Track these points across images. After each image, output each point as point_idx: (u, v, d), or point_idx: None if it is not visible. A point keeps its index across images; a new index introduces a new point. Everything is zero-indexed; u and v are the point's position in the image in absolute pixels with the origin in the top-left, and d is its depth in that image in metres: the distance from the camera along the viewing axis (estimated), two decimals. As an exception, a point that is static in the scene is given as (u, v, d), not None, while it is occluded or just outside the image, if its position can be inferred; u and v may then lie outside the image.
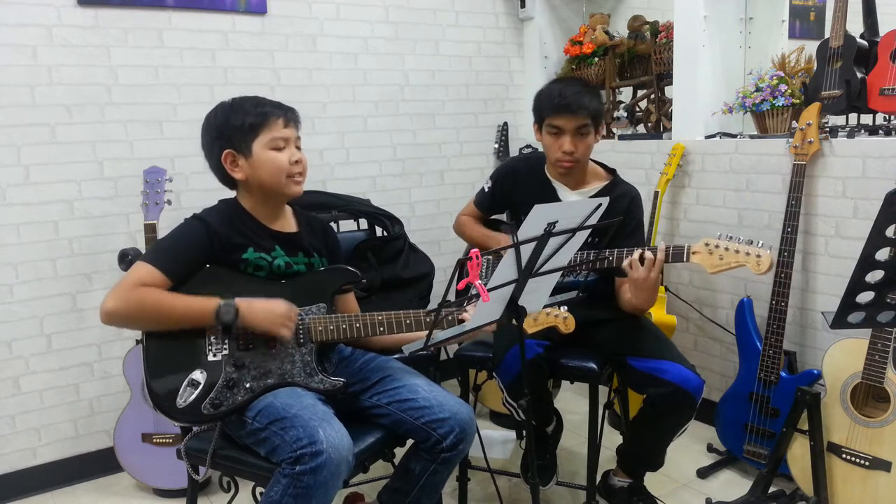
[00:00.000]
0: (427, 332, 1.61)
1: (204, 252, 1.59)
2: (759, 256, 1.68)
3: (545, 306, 1.58)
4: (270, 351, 1.59)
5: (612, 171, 2.09)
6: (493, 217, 2.28)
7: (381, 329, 1.63)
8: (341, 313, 1.76)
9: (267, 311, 1.55)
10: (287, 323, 1.57)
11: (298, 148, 1.67)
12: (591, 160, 2.05)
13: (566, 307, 1.69)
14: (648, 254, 1.77)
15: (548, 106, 1.92)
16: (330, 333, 1.62)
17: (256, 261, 1.63)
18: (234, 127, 1.61)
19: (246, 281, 1.61)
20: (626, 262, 1.80)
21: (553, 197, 2.04)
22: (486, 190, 2.19)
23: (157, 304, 1.50)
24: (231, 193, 1.73)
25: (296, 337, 1.61)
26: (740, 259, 1.71)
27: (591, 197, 2.01)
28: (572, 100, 1.88)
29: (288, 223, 1.74)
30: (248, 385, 1.56)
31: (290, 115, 1.65)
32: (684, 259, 1.78)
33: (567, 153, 1.93)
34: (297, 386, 1.60)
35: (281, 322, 1.56)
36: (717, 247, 1.74)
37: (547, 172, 2.07)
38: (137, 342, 2.39)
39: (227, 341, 1.57)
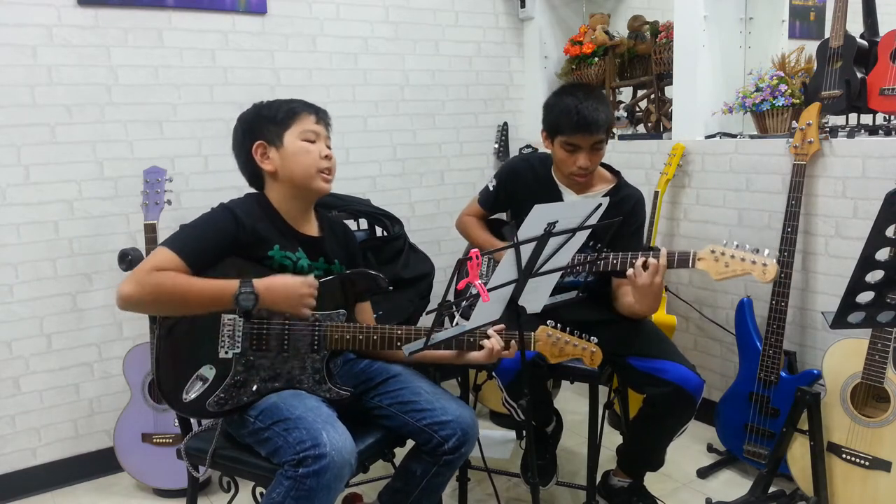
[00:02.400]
0: (427, 332, 1.62)
1: (229, 242, 1.56)
2: (764, 265, 1.68)
3: (545, 307, 1.57)
4: (282, 354, 1.59)
5: (616, 174, 2.09)
6: (494, 217, 2.28)
7: (398, 344, 1.62)
8: (357, 319, 1.76)
9: (285, 292, 1.52)
10: (306, 302, 1.54)
11: (328, 147, 1.69)
12: None
13: (595, 339, 1.68)
14: (652, 260, 1.76)
15: (566, 125, 1.89)
16: (346, 343, 1.62)
17: (282, 259, 1.62)
18: (266, 118, 1.64)
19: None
20: (630, 272, 1.79)
21: (558, 200, 2.03)
22: (491, 189, 2.18)
23: (173, 287, 1.47)
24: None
25: (310, 343, 1.60)
26: (746, 267, 1.71)
27: None
28: (591, 118, 1.86)
29: (312, 226, 1.73)
30: (255, 387, 1.56)
31: (321, 114, 1.69)
32: (689, 265, 1.77)
33: (583, 168, 1.93)
34: (303, 391, 1.59)
35: (300, 302, 1.53)
36: (722, 254, 1.73)
37: (553, 175, 2.07)
38: (140, 342, 2.40)
39: (241, 340, 1.56)
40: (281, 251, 1.62)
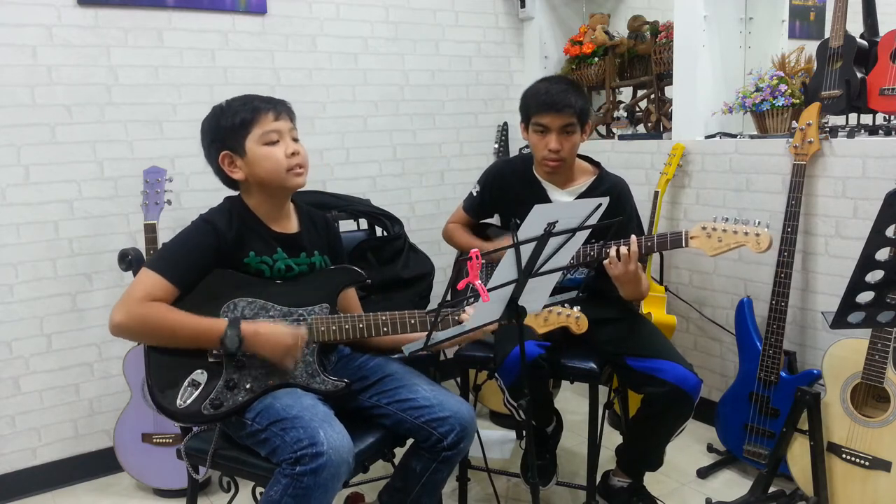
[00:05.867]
0: (427, 332, 1.62)
1: (212, 255, 1.58)
2: (758, 235, 1.69)
3: (545, 306, 1.57)
4: None
5: (597, 165, 2.09)
6: (483, 221, 2.28)
7: (385, 329, 1.63)
8: (344, 312, 1.76)
9: (272, 341, 1.54)
10: (291, 353, 1.56)
11: (295, 140, 1.65)
12: (578, 155, 2.06)
13: (578, 307, 1.68)
14: (623, 248, 1.78)
15: (533, 104, 1.94)
16: (333, 334, 1.62)
17: (258, 265, 1.63)
18: (226, 128, 1.61)
19: (252, 282, 1.61)
20: (606, 262, 1.80)
21: (543, 197, 2.04)
22: (475, 194, 2.19)
23: (162, 321, 1.49)
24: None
25: None
26: (739, 239, 1.71)
27: (580, 195, 2.03)
28: (558, 98, 1.89)
29: (290, 223, 1.73)
30: (248, 386, 1.56)
31: (280, 108, 1.63)
32: (683, 244, 1.78)
33: (553, 151, 1.93)
34: (297, 387, 1.59)
35: (283, 354, 1.55)
36: (714, 230, 1.74)
37: (535, 172, 2.08)
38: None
39: None
40: (257, 257, 1.63)
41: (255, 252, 1.63)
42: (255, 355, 1.56)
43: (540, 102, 1.91)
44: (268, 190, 1.65)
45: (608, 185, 2.02)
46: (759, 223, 1.70)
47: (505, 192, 2.11)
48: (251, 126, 1.60)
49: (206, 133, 1.66)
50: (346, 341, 1.72)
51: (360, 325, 1.63)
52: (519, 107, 2.03)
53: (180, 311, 1.52)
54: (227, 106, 1.63)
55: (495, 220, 2.30)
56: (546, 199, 2.03)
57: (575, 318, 1.67)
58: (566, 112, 1.90)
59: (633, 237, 1.79)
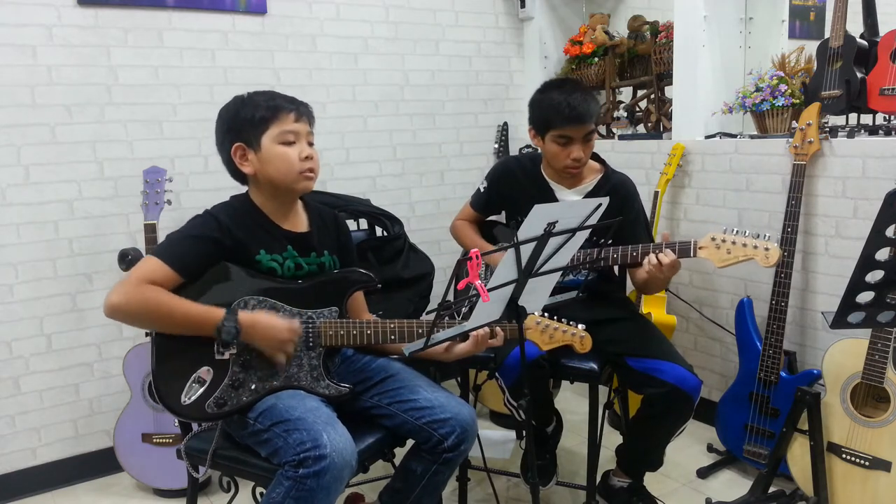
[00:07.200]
0: (420, 325, 1.62)
1: (216, 248, 1.57)
2: (766, 249, 1.69)
3: (545, 307, 1.57)
4: None
5: (602, 162, 2.10)
6: (490, 219, 2.28)
7: (393, 337, 1.62)
8: (351, 314, 1.75)
9: (268, 334, 1.52)
10: (285, 347, 1.55)
11: (311, 144, 1.65)
12: None
13: (583, 325, 1.69)
14: (664, 258, 1.78)
15: (557, 117, 1.91)
16: (340, 339, 1.62)
17: (269, 263, 1.62)
18: (244, 120, 1.60)
19: (263, 280, 1.60)
20: (644, 269, 1.80)
21: (550, 197, 2.05)
22: (482, 190, 2.19)
23: (159, 305, 1.47)
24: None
25: (305, 341, 1.60)
26: (748, 252, 1.71)
27: (587, 193, 2.03)
28: (582, 110, 1.89)
29: (300, 221, 1.72)
30: (253, 386, 1.56)
31: (302, 110, 1.63)
32: (691, 255, 1.78)
33: (577, 160, 1.94)
34: (302, 389, 1.59)
35: (279, 347, 1.54)
36: (723, 241, 1.74)
37: (543, 172, 2.08)
38: (139, 343, 2.40)
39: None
40: (267, 255, 1.62)
41: (266, 250, 1.62)
42: (259, 354, 1.56)
43: (565, 116, 1.89)
44: (275, 188, 1.64)
45: (614, 183, 2.03)
46: (768, 237, 1.69)
47: (512, 190, 2.12)
48: (270, 123, 1.59)
49: (223, 121, 1.64)
50: (352, 346, 1.72)
51: (368, 332, 1.62)
52: (531, 116, 2.00)
53: (179, 296, 1.50)
54: (249, 98, 1.62)
55: (503, 217, 2.30)
56: (553, 199, 2.04)
57: (580, 338, 1.68)
58: (590, 122, 1.92)
59: (666, 252, 1.79)
